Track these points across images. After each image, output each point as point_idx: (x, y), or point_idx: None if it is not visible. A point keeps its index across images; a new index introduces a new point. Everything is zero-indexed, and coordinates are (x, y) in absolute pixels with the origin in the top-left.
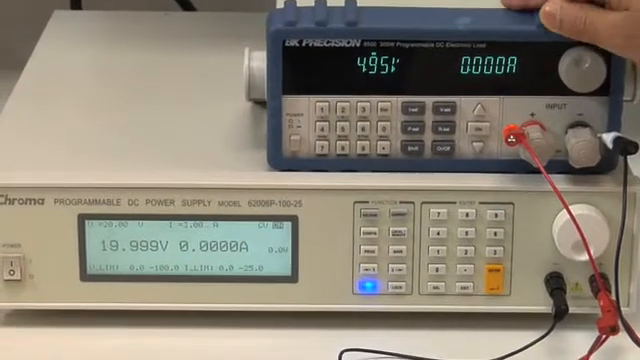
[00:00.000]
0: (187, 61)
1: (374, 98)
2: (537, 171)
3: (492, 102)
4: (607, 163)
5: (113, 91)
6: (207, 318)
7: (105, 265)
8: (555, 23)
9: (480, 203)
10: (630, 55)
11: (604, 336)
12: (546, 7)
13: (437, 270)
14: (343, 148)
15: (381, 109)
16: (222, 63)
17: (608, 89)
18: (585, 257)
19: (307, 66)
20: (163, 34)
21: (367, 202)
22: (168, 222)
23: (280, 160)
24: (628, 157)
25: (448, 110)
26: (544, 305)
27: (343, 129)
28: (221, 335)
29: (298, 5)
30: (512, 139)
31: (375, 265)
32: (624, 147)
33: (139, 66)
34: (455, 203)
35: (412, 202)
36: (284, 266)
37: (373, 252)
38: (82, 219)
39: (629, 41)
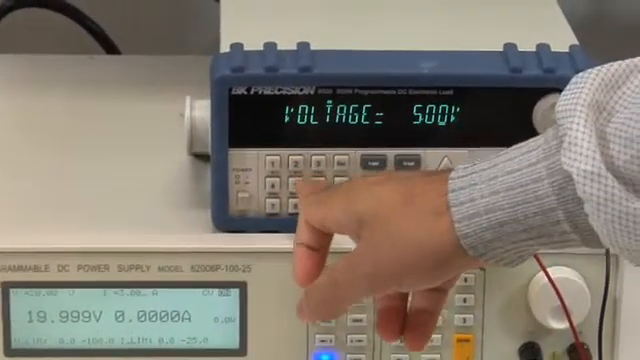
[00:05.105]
0: (119, 110)
1: (330, 151)
2: None
3: (460, 155)
4: None
5: (36, 143)
6: None
7: (32, 338)
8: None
9: None
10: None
11: None
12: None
13: (401, 341)
14: (296, 206)
15: (338, 163)
16: (158, 112)
17: None
18: (564, 325)
19: (256, 116)
20: (90, 80)
21: None
22: (102, 290)
23: (226, 220)
24: None
25: (412, 164)
26: None
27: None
28: None
29: (245, 49)
30: None
31: (332, 336)
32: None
33: (64, 115)
34: None
35: None
36: (231, 338)
37: (330, 322)
38: (6, 287)
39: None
